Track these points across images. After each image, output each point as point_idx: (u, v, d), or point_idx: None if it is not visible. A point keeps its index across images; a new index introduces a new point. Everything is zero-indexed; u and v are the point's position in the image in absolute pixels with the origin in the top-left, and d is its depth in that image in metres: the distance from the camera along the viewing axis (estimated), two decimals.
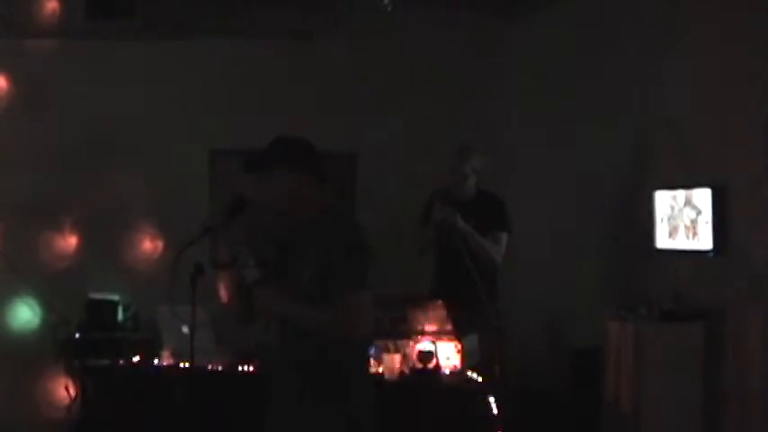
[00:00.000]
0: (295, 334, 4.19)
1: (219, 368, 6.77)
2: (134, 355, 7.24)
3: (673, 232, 7.40)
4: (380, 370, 6.40)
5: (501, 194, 7.43)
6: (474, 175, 7.22)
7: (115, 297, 8.25)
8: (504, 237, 7.25)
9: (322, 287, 4.09)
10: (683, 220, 7.29)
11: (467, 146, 7.29)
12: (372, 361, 6.97)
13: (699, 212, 7.09)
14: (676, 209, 7.35)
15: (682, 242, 7.31)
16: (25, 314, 8.39)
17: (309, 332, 4.12)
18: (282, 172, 4.27)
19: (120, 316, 8.18)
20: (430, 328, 6.61)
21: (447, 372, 6.39)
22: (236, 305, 4.52)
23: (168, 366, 6.84)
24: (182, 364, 6.68)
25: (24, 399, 8.29)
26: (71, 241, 8.65)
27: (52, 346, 8.13)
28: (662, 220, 7.51)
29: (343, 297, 4.08)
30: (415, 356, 6.38)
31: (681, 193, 7.30)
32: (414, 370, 6.37)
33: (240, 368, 6.84)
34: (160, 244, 8.81)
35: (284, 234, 4.30)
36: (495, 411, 6.12)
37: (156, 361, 6.96)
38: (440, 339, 6.48)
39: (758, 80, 6.68)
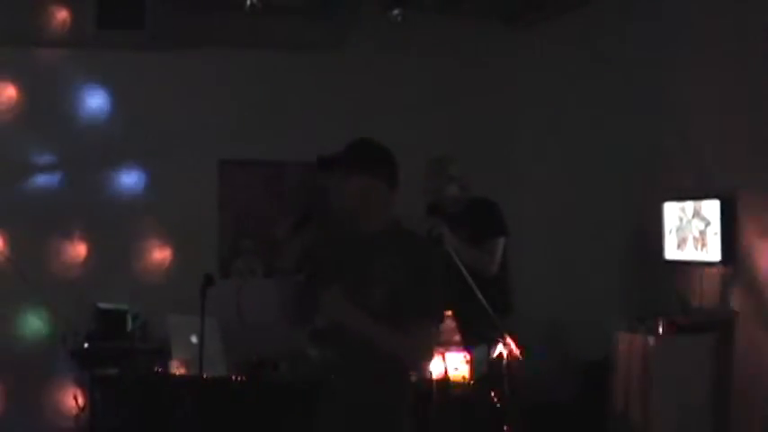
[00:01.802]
0: (352, 344, 4.07)
1: (228, 378, 6.77)
2: (143, 365, 7.26)
3: (681, 243, 7.40)
4: None
5: (494, 198, 6.98)
6: (453, 182, 6.81)
7: (124, 306, 8.26)
8: (500, 242, 6.70)
9: (394, 307, 3.97)
10: (691, 231, 7.28)
11: (439, 156, 6.97)
12: None
13: (708, 224, 7.09)
14: (685, 220, 7.35)
15: (690, 253, 7.30)
16: (34, 323, 8.39)
17: (370, 346, 4.00)
18: (358, 174, 4.10)
19: (129, 325, 8.19)
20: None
21: (454, 381, 6.40)
22: (293, 308, 4.45)
23: (177, 376, 6.85)
24: (191, 374, 6.68)
25: (33, 408, 8.30)
26: (80, 250, 8.65)
27: (61, 355, 8.14)
28: (670, 232, 7.50)
29: (414, 324, 3.97)
30: None
31: (689, 205, 7.29)
32: (421, 379, 6.37)
33: (249, 378, 6.85)
34: (169, 253, 8.81)
35: (353, 246, 4.20)
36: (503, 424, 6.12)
37: (164, 370, 6.97)
38: (448, 350, 6.48)
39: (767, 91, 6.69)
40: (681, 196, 7.41)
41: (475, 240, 6.63)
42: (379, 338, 3.97)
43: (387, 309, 3.95)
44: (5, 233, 8.43)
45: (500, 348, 6.44)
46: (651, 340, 7.07)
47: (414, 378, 4.24)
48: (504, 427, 6.15)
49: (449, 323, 6.63)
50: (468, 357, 6.45)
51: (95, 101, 8.79)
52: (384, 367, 4.00)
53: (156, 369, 7.09)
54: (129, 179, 8.84)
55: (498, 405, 6.21)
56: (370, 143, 4.20)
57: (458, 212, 6.74)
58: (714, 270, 7.10)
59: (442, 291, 4.08)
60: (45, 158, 8.63)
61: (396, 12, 8.43)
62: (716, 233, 7.00)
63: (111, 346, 7.89)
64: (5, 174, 8.51)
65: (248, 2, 8.04)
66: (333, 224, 4.24)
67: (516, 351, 6.24)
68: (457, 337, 6.61)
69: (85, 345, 7.95)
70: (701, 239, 7.17)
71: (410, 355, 4.06)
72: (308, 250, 4.30)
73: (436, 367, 6.42)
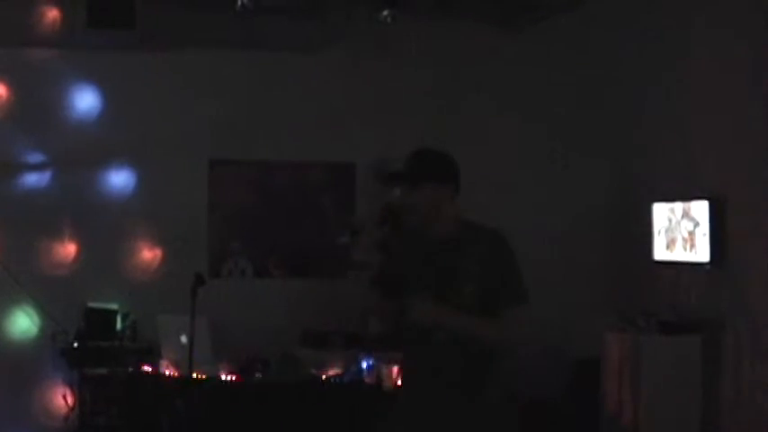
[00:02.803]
0: (448, 342, 4.20)
1: (218, 378, 6.78)
2: (132, 365, 7.26)
3: (670, 244, 7.42)
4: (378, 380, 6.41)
5: (485, 201, 6.78)
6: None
7: (114, 306, 8.25)
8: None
9: (484, 301, 4.14)
10: (680, 232, 7.31)
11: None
12: (368, 373, 7.02)
13: (696, 224, 7.12)
14: (674, 221, 7.37)
15: (679, 254, 7.34)
16: (23, 322, 8.38)
17: (468, 341, 4.15)
18: (426, 186, 4.26)
19: (118, 325, 8.17)
20: None
21: None
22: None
23: (167, 376, 6.85)
24: (180, 374, 6.68)
25: (22, 407, 8.28)
26: (70, 249, 8.63)
27: (50, 354, 8.13)
28: (659, 233, 7.53)
29: (509, 312, 4.15)
30: None
31: (678, 206, 7.32)
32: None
33: (239, 378, 6.86)
34: (159, 253, 8.80)
35: (431, 250, 4.30)
36: None
37: (154, 370, 6.97)
38: None
39: (756, 95, 6.71)
40: (670, 197, 7.43)
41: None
42: (480, 332, 4.14)
43: (477, 303, 4.12)
44: None
45: None
46: (640, 339, 7.09)
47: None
48: None
49: None
50: None
51: (85, 101, 8.77)
52: (479, 360, 4.17)
53: (145, 369, 7.09)
54: (119, 179, 8.82)
55: None
56: (433, 153, 4.37)
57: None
58: (703, 270, 7.12)
59: (521, 274, 4.24)
60: (35, 158, 8.61)
61: (385, 13, 8.42)
62: (705, 234, 7.03)
63: (100, 346, 7.88)
64: None
65: (239, 2, 8.04)
66: (407, 229, 4.42)
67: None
68: None
69: (75, 344, 7.94)
70: (690, 240, 7.20)
71: (508, 342, 4.22)
72: (385, 248, 4.41)
73: None
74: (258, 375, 7.13)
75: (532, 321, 4.28)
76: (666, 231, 7.46)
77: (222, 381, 6.95)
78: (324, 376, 7.12)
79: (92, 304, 8.23)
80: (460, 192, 4.38)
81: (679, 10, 7.53)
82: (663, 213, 7.49)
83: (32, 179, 8.61)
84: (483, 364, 4.21)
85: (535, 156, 9.23)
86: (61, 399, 8.16)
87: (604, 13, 8.40)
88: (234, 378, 6.99)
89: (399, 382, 6.61)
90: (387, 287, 4.38)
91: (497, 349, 4.22)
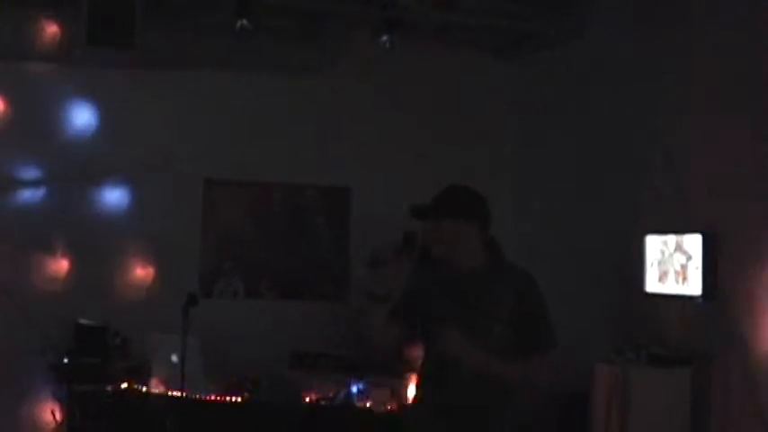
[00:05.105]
0: (468, 376, 4.20)
1: (209, 397, 6.77)
2: (122, 382, 7.25)
3: (663, 277, 7.44)
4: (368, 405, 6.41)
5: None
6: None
7: (104, 323, 8.24)
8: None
9: (513, 342, 4.16)
10: (673, 264, 7.33)
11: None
12: (359, 396, 7.03)
13: (689, 258, 7.14)
14: (667, 253, 7.39)
15: (671, 287, 7.35)
16: (14, 337, 8.35)
17: (491, 380, 4.16)
18: (449, 222, 4.33)
19: (108, 342, 8.16)
20: None
21: None
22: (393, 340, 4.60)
23: (156, 394, 6.84)
24: (171, 393, 6.67)
25: (10, 422, 8.25)
26: (62, 266, 8.63)
27: (40, 369, 8.11)
28: (652, 265, 7.55)
29: (538, 356, 4.19)
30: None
31: (671, 239, 7.34)
32: (403, 406, 6.39)
33: (228, 398, 6.85)
34: (151, 271, 8.80)
35: (454, 281, 4.34)
36: None
37: (144, 388, 6.96)
38: None
39: (751, 131, 6.76)
40: (663, 229, 7.45)
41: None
42: (506, 374, 4.17)
43: (505, 343, 4.15)
44: None
45: None
46: (629, 372, 7.10)
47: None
48: None
49: None
50: None
51: (82, 117, 8.80)
52: (499, 396, 4.21)
53: (135, 386, 7.08)
54: (114, 196, 8.84)
55: None
56: (459, 190, 4.43)
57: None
58: (694, 304, 7.13)
59: (551, 317, 4.29)
60: (30, 172, 8.62)
61: (384, 38, 8.46)
62: (697, 267, 7.05)
63: (90, 362, 7.86)
64: None
65: (238, 23, 8.07)
66: (431, 261, 4.42)
67: None
68: None
69: (65, 360, 7.93)
70: (683, 273, 7.21)
71: (533, 384, 4.27)
72: (406, 281, 4.44)
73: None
74: (248, 396, 7.12)
75: (558, 366, 4.31)
76: (659, 264, 7.47)
77: (212, 400, 6.94)
78: (314, 399, 7.11)
79: (83, 321, 8.22)
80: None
81: (672, 42, 7.57)
82: (656, 246, 7.51)
83: (27, 194, 8.62)
84: (502, 399, 4.23)
85: (530, 182, 9.27)
86: (50, 414, 8.13)
87: (598, 46, 8.46)
88: (223, 398, 6.98)
89: (389, 407, 6.65)
90: (406, 319, 4.39)
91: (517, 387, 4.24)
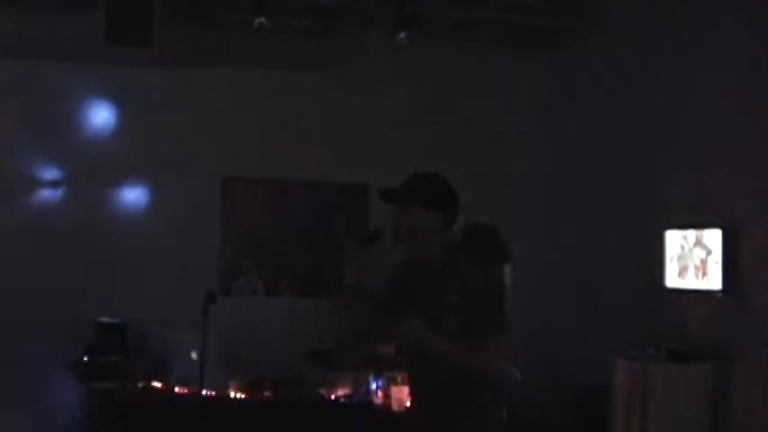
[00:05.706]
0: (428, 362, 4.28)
1: (228, 395, 6.78)
2: (141, 380, 7.26)
3: (682, 272, 7.41)
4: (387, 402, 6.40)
5: (496, 223, 6.84)
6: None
7: (124, 321, 8.26)
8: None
9: (466, 329, 4.17)
10: (692, 259, 7.30)
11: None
12: (381, 393, 7.02)
13: (709, 252, 7.11)
14: (686, 248, 7.36)
15: (691, 282, 7.32)
16: (34, 336, 8.38)
17: (447, 363, 4.21)
18: (414, 207, 4.31)
19: (128, 340, 8.18)
20: None
21: None
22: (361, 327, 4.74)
23: (176, 392, 6.85)
24: (189, 390, 6.69)
25: (30, 420, 8.28)
26: (81, 264, 8.65)
27: (60, 367, 8.13)
28: (672, 260, 7.52)
29: (488, 341, 4.19)
30: None
31: (691, 233, 7.31)
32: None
33: (247, 396, 6.86)
34: (170, 269, 8.81)
35: (420, 275, 4.36)
36: None
37: (163, 386, 6.97)
38: None
39: None
40: (683, 224, 7.42)
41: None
42: (460, 359, 4.17)
43: (461, 332, 4.16)
44: (9, 245, 8.43)
45: None
46: (649, 367, 7.07)
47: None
48: None
49: None
50: None
51: (101, 116, 8.83)
52: (466, 383, 4.23)
53: (154, 384, 7.10)
54: (133, 194, 8.87)
55: None
56: (426, 177, 4.41)
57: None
58: (714, 298, 7.10)
59: (504, 304, 4.31)
60: (50, 172, 8.66)
61: (402, 35, 8.45)
62: (717, 262, 7.02)
63: (110, 360, 7.88)
64: (10, 187, 8.54)
65: (256, 21, 8.08)
66: (398, 249, 4.42)
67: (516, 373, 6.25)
68: None
69: (84, 358, 7.95)
70: (702, 268, 7.18)
71: (486, 368, 4.26)
72: (374, 270, 4.46)
73: None
74: (267, 394, 7.13)
75: (513, 348, 4.35)
76: (679, 259, 7.44)
77: (231, 398, 6.95)
78: (333, 396, 7.11)
79: (102, 318, 8.24)
80: (457, 219, 4.39)
81: (693, 39, 7.54)
82: (675, 241, 7.48)
83: (47, 192, 8.66)
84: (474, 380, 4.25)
85: (548, 177, 9.25)
86: (69, 412, 8.16)
87: (618, 42, 8.43)
88: (243, 396, 6.99)
89: (408, 404, 6.64)
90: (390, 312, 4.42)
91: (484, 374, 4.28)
